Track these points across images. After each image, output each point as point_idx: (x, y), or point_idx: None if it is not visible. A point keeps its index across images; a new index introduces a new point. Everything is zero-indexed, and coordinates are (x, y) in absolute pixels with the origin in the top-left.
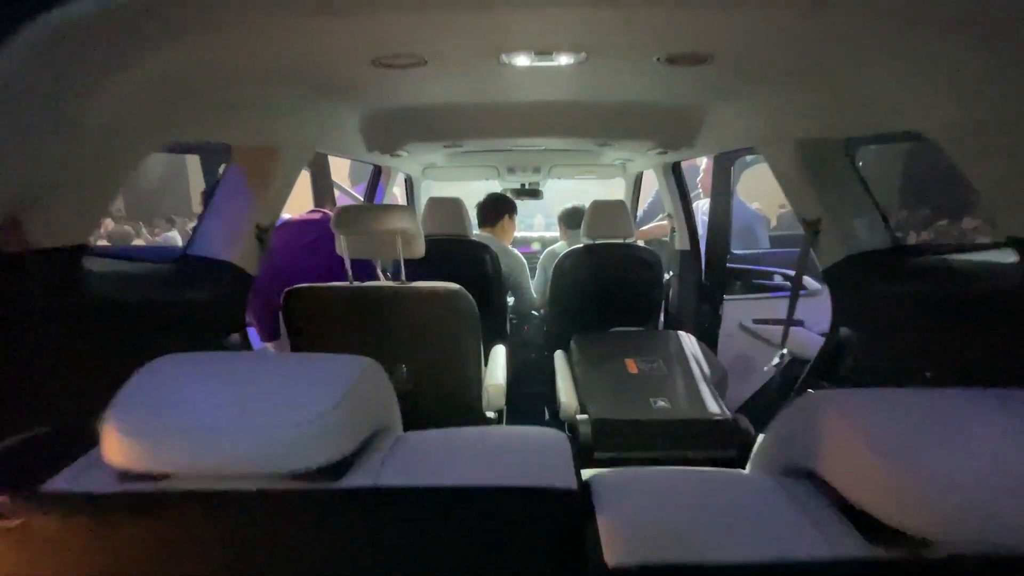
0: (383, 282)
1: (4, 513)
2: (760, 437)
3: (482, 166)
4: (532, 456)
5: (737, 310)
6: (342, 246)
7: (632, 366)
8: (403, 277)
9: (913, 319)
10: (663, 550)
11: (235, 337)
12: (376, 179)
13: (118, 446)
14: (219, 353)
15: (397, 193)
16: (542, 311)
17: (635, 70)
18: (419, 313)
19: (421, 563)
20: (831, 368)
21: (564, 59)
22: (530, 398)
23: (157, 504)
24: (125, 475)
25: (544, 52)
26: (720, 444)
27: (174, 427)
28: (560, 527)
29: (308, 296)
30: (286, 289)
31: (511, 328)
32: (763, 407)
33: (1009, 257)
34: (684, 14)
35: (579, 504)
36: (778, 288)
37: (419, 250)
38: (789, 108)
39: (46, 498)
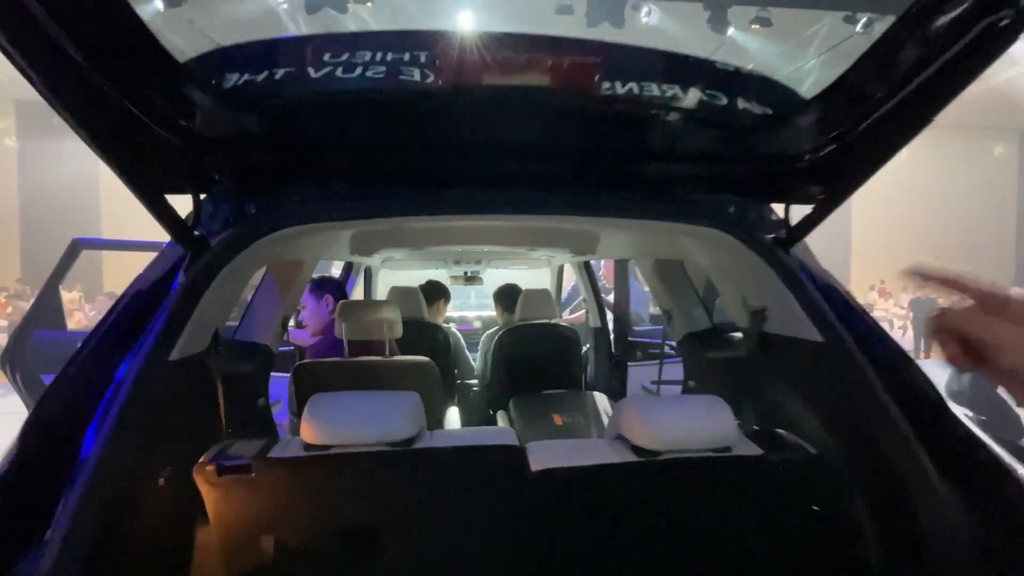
0: (373, 357)
1: (251, 470)
2: None
3: (434, 259)
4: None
5: (639, 374)
6: (342, 330)
7: (559, 420)
8: (387, 353)
9: (725, 373)
10: None
11: (261, 401)
12: (348, 272)
13: (309, 430)
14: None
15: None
16: (482, 379)
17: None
18: (398, 381)
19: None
20: None
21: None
22: None
23: (328, 461)
24: (308, 447)
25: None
26: None
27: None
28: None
29: (316, 370)
30: (296, 364)
31: (459, 392)
32: None
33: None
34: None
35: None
36: (668, 356)
37: (398, 331)
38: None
39: (270, 461)
